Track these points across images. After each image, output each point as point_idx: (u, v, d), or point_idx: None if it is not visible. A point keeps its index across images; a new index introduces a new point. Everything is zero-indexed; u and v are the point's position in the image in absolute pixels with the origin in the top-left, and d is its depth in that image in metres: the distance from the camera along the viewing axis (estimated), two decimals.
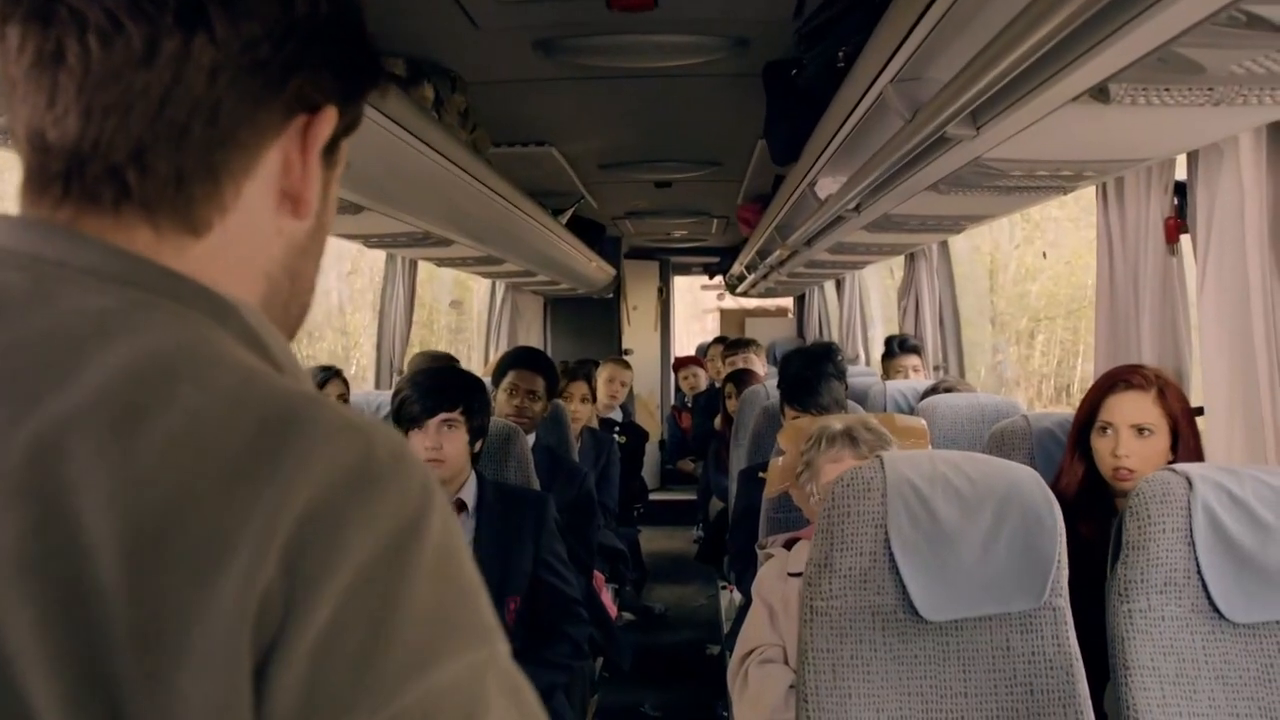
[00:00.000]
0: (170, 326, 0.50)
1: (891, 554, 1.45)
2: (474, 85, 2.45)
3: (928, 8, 1.17)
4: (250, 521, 0.44)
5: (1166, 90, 1.09)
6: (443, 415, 2.03)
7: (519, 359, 2.92)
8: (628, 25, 2.03)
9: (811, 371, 2.53)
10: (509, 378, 2.84)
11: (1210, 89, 1.10)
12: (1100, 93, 1.13)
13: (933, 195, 2.04)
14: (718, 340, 5.98)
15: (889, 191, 1.97)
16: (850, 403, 2.76)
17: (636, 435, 5.05)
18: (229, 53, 0.53)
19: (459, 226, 2.93)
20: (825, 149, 1.91)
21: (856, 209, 2.29)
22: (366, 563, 0.46)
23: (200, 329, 0.51)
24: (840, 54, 1.49)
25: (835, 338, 6.07)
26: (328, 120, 0.58)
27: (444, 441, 2.03)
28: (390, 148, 1.87)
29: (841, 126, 1.71)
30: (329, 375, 3.13)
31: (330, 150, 0.60)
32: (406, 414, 2.04)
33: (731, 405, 4.61)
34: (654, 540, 5.67)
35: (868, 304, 5.74)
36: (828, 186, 2.27)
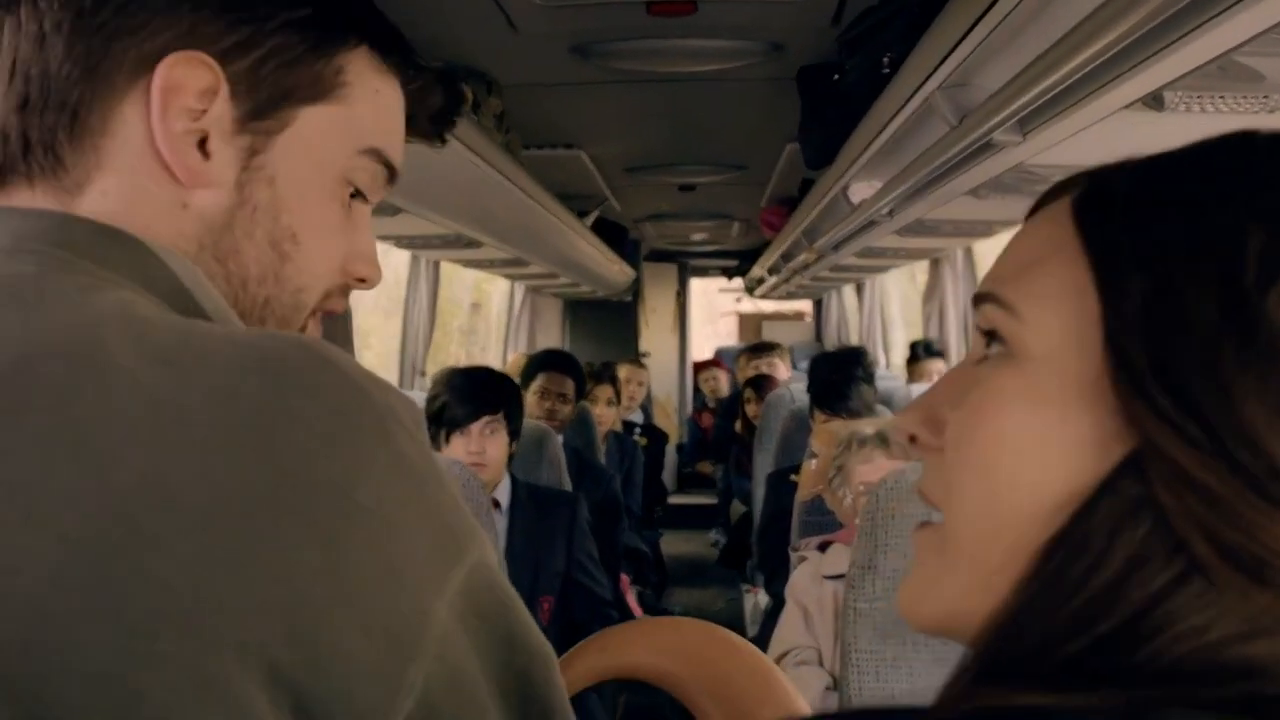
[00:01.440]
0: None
1: None
2: (508, 89, 2.47)
3: (982, 15, 1.17)
4: None
5: (1222, 98, 1.10)
6: (486, 419, 2.05)
7: (549, 361, 2.94)
8: (666, 30, 2.04)
9: (841, 375, 2.54)
10: (539, 380, 2.86)
11: (1266, 97, 1.10)
12: (1154, 100, 1.14)
13: (969, 200, 2.05)
14: (747, 348, 5.98)
15: (926, 196, 1.98)
16: (879, 406, 2.77)
17: (657, 438, 5.07)
18: (55, 17, 0.53)
19: (491, 229, 2.95)
20: (863, 153, 1.92)
21: (890, 213, 2.30)
22: None
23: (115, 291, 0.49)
24: (885, 60, 1.50)
25: (855, 341, 6.07)
26: (174, 74, 0.53)
27: (487, 445, 2.05)
28: (430, 149, 1.88)
29: (882, 131, 1.72)
30: None
31: (263, 115, 0.56)
32: (449, 418, 2.06)
33: (751, 410, 4.63)
34: (671, 544, 5.68)
35: (888, 308, 5.74)
36: (862, 191, 2.27)
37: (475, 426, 2.08)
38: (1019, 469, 0.42)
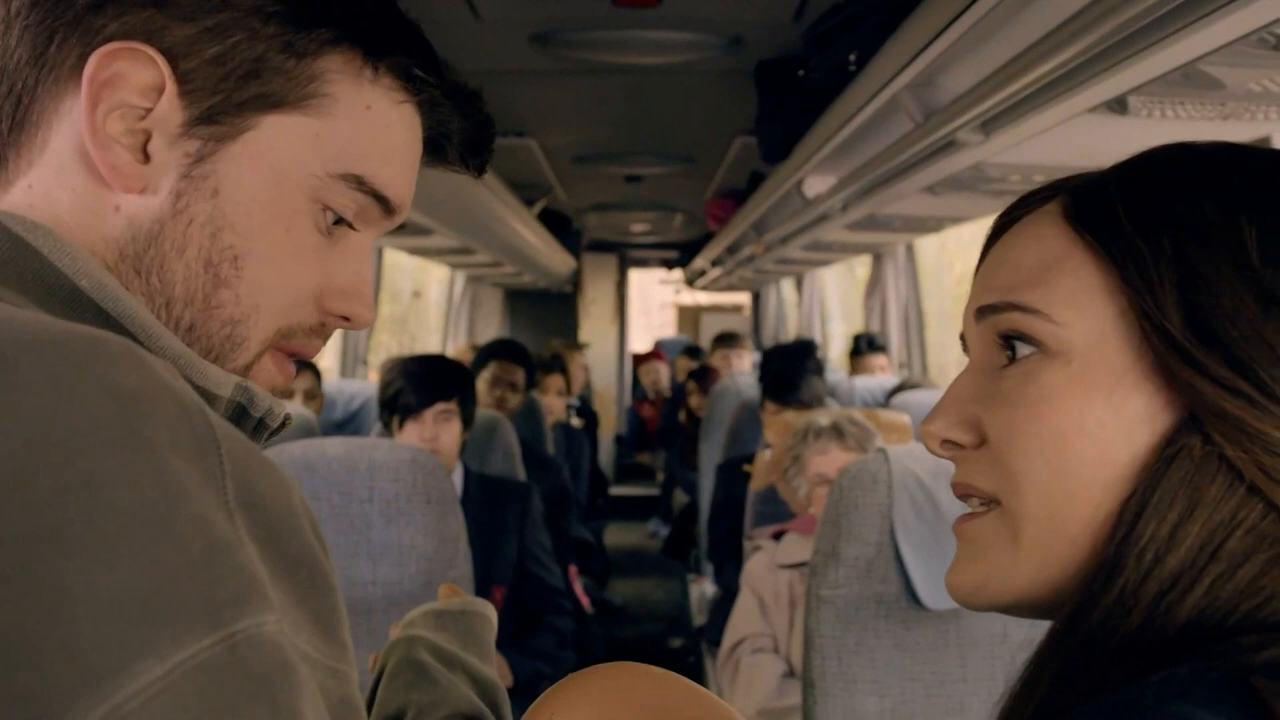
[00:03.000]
0: None
1: (896, 544, 1.50)
2: (465, 75, 2.45)
3: (955, 18, 1.20)
4: None
5: (1182, 104, 1.15)
6: (440, 406, 2.04)
7: (501, 350, 2.93)
8: (629, 21, 2.05)
9: (792, 367, 2.58)
10: (490, 369, 2.85)
11: (1222, 104, 1.15)
12: (1119, 104, 1.18)
13: (922, 196, 2.10)
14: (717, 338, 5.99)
15: (882, 192, 2.02)
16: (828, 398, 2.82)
17: (592, 418, 5.09)
18: (17, 3, 0.50)
19: (441, 216, 2.92)
20: (822, 148, 1.95)
21: (843, 208, 2.34)
22: None
23: None
24: (852, 57, 1.52)
25: (793, 334, 6.16)
26: (110, 67, 0.49)
27: (440, 432, 2.04)
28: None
29: (844, 126, 1.75)
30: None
31: (216, 119, 0.51)
32: (403, 404, 2.04)
33: (694, 402, 4.67)
34: (610, 535, 5.70)
35: (827, 301, 5.83)
36: (816, 185, 2.31)
37: (429, 413, 2.06)
38: (1085, 448, 0.47)
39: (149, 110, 0.50)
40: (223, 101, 0.50)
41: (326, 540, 0.45)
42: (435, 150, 0.61)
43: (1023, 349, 0.50)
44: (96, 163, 0.49)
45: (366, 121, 0.54)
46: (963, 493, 0.52)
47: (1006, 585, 0.50)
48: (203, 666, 0.35)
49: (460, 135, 0.61)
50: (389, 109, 0.55)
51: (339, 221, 0.55)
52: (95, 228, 0.50)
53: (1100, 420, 0.47)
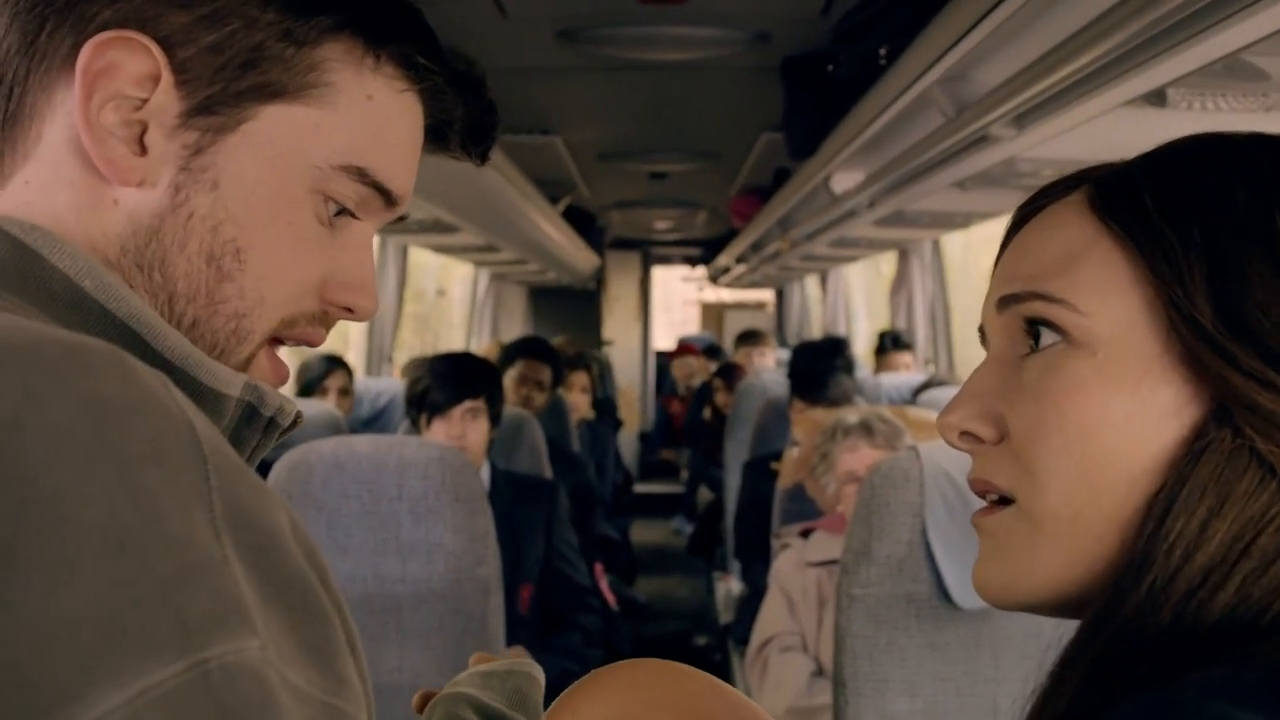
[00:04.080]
0: None
1: (927, 543, 1.49)
2: (489, 73, 2.45)
3: (989, 11, 1.19)
4: None
5: (1224, 96, 1.13)
6: (467, 403, 2.04)
7: (528, 349, 2.93)
8: (655, 17, 2.04)
9: (821, 365, 2.56)
10: (517, 367, 2.86)
11: (1265, 95, 1.13)
12: (1157, 97, 1.16)
13: (951, 192, 2.08)
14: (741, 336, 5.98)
15: (911, 188, 2.01)
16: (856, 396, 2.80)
17: (610, 411, 5.10)
18: None
19: (470, 214, 2.93)
20: (851, 143, 1.93)
21: (871, 204, 2.33)
22: None
23: None
24: (882, 52, 1.51)
25: (818, 331, 6.13)
26: (104, 56, 0.48)
27: (468, 430, 2.04)
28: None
29: (874, 121, 1.74)
30: (333, 366, 3.11)
31: (214, 110, 0.49)
32: (431, 402, 2.05)
33: (721, 399, 4.66)
34: (634, 532, 5.71)
35: (852, 298, 5.80)
36: (844, 181, 2.29)
37: (457, 411, 2.07)
38: (1111, 442, 0.46)
39: (145, 101, 0.49)
40: (221, 91, 0.49)
41: (330, 569, 0.43)
42: (437, 138, 0.59)
43: (1046, 338, 0.49)
44: (92, 156, 0.48)
45: (368, 111, 0.53)
46: (980, 489, 0.51)
47: (1033, 584, 0.49)
48: (169, 695, 0.32)
49: (462, 123, 0.59)
50: (391, 98, 0.54)
51: (341, 212, 0.54)
52: (95, 223, 0.49)
53: (1127, 413, 0.46)
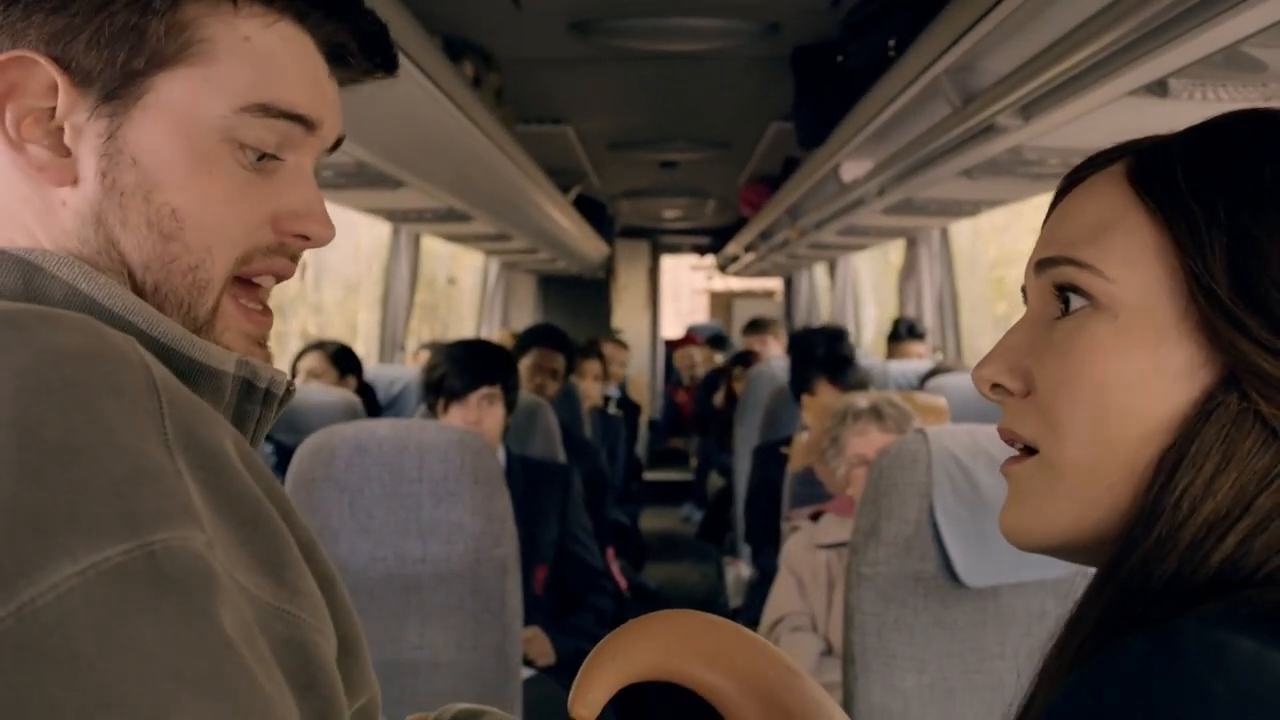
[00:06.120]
0: None
1: (935, 523, 1.52)
2: (504, 64, 2.49)
3: (998, 2, 1.22)
4: None
5: (1224, 86, 1.16)
6: (484, 390, 2.08)
7: (543, 336, 2.97)
8: (667, 8, 2.07)
9: (847, 348, 2.61)
10: (532, 355, 2.89)
11: (1264, 85, 1.16)
12: (1159, 87, 1.19)
13: (959, 180, 2.11)
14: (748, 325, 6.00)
15: (919, 176, 2.04)
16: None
17: (631, 410, 5.13)
18: None
19: (484, 203, 2.96)
20: (860, 132, 1.96)
21: (880, 193, 2.36)
22: None
23: None
24: (890, 43, 1.54)
25: (826, 319, 6.15)
26: (4, 77, 0.52)
27: (484, 416, 2.08)
28: (437, 123, 1.90)
29: (883, 111, 1.77)
30: (343, 371, 3.07)
31: (115, 95, 0.54)
32: (448, 388, 2.09)
33: (739, 386, 4.69)
34: (644, 519, 5.74)
35: (860, 286, 5.82)
36: (853, 170, 2.32)
37: (473, 397, 2.11)
38: (1127, 400, 0.50)
39: (53, 108, 0.53)
40: (112, 78, 0.53)
41: (294, 502, 0.49)
42: (339, 62, 0.61)
43: (1075, 302, 0.52)
44: (27, 169, 0.53)
45: (249, 52, 0.56)
46: (1007, 438, 0.55)
47: (1051, 528, 0.53)
48: (118, 569, 0.38)
49: (353, 40, 0.61)
50: (265, 33, 0.57)
51: (264, 157, 0.57)
52: (55, 226, 0.54)
53: (1142, 374, 0.49)
